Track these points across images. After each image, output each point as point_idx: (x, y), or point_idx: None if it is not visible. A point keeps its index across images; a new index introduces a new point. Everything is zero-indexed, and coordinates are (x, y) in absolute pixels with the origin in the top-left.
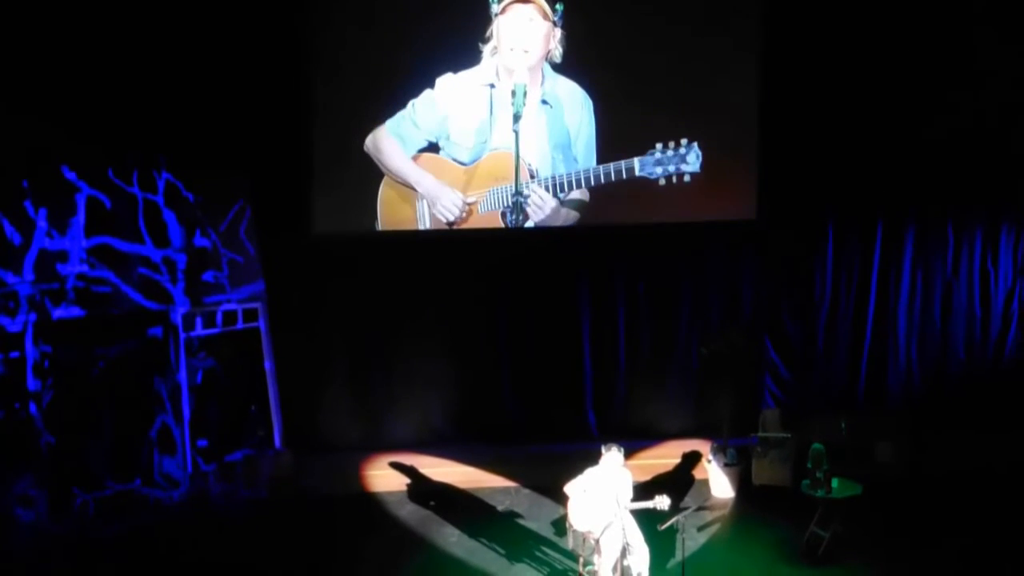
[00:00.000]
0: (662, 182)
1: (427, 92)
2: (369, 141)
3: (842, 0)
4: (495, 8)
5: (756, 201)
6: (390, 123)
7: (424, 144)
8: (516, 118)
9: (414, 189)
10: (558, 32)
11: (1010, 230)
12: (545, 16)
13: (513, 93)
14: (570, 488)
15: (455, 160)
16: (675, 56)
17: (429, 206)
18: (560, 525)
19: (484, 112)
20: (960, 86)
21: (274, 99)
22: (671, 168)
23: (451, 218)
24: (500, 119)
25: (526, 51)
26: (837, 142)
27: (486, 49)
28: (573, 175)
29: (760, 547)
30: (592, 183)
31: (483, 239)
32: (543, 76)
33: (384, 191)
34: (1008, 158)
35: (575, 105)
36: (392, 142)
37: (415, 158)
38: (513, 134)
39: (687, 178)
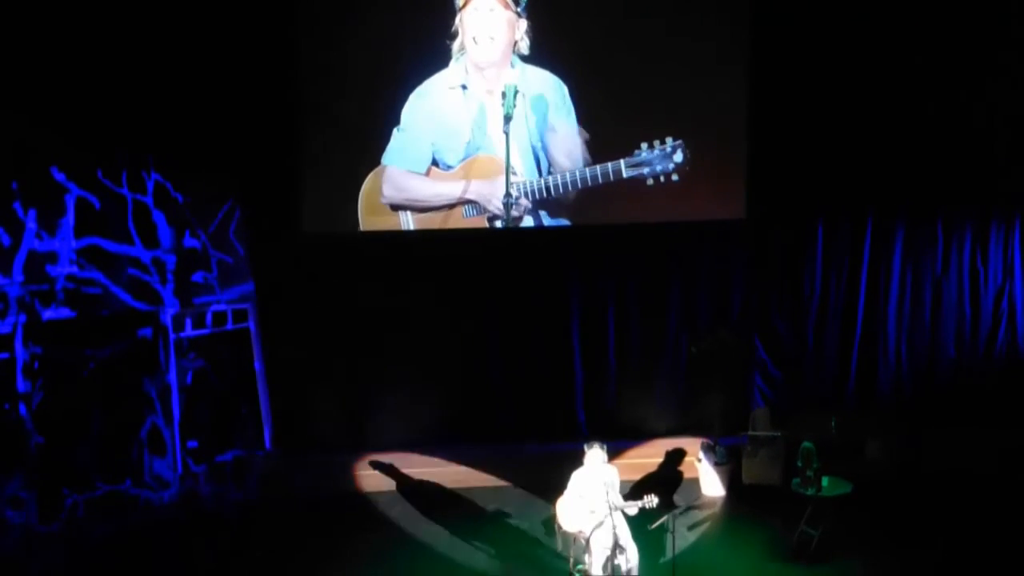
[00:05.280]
0: (650, 182)
1: (407, 107)
2: (386, 190)
3: None
4: (459, 1)
5: (745, 200)
6: (389, 157)
7: (431, 156)
8: (507, 119)
9: (459, 204)
10: (523, 23)
11: (999, 228)
12: (506, 5)
13: (503, 95)
14: (565, 502)
15: (444, 165)
16: (662, 54)
17: (477, 204)
18: (550, 525)
19: (462, 114)
20: (949, 83)
21: (262, 99)
22: (658, 168)
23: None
24: (477, 119)
25: (491, 38)
26: (826, 140)
27: (454, 47)
28: (559, 179)
29: (750, 546)
30: (579, 186)
31: (472, 239)
32: (512, 69)
33: (364, 198)
34: (998, 155)
35: (551, 96)
36: (404, 173)
37: (430, 172)
38: (502, 135)
39: (675, 177)
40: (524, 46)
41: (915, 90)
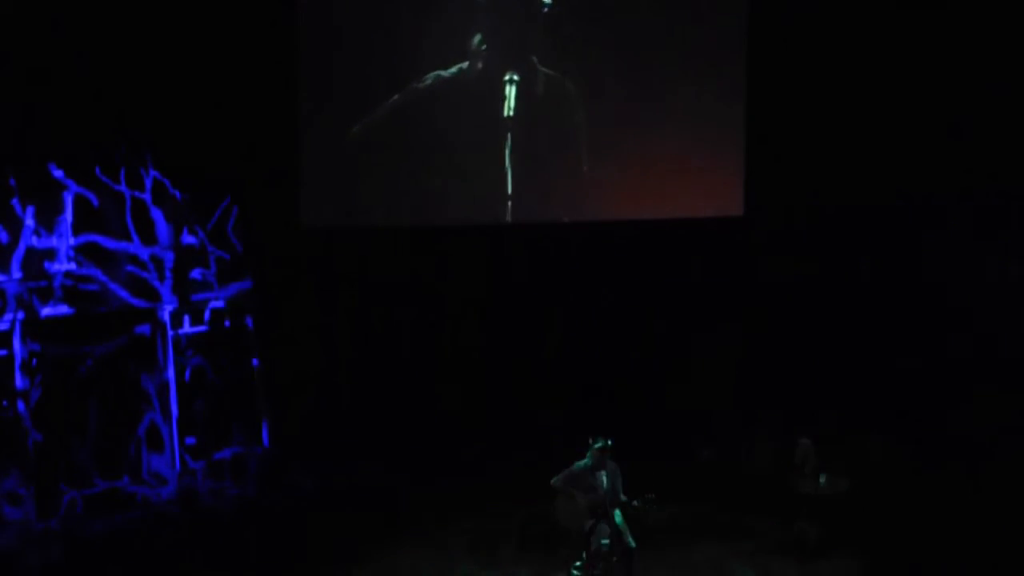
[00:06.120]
0: None
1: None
2: None
3: None
4: None
5: (743, 197)
6: None
7: None
8: (508, 115)
9: None
10: (535, 24)
11: (998, 225)
12: (531, 7)
13: (506, 92)
14: (557, 482)
15: None
16: (662, 52)
17: None
18: (547, 522)
19: (477, 108)
20: (949, 81)
21: (261, 96)
22: None
23: None
24: (491, 114)
25: (513, 44)
26: (824, 138)
27: (475, 41)
28: None
29: (748, 542)
30: None
31: (470, 235)
32: (532, 68)
33: None
34: (996, 153)
35: (556, 96)
36: None
37: None
38: (505, 133)
39: None
40: (533, 46)
41: (915, 88)
